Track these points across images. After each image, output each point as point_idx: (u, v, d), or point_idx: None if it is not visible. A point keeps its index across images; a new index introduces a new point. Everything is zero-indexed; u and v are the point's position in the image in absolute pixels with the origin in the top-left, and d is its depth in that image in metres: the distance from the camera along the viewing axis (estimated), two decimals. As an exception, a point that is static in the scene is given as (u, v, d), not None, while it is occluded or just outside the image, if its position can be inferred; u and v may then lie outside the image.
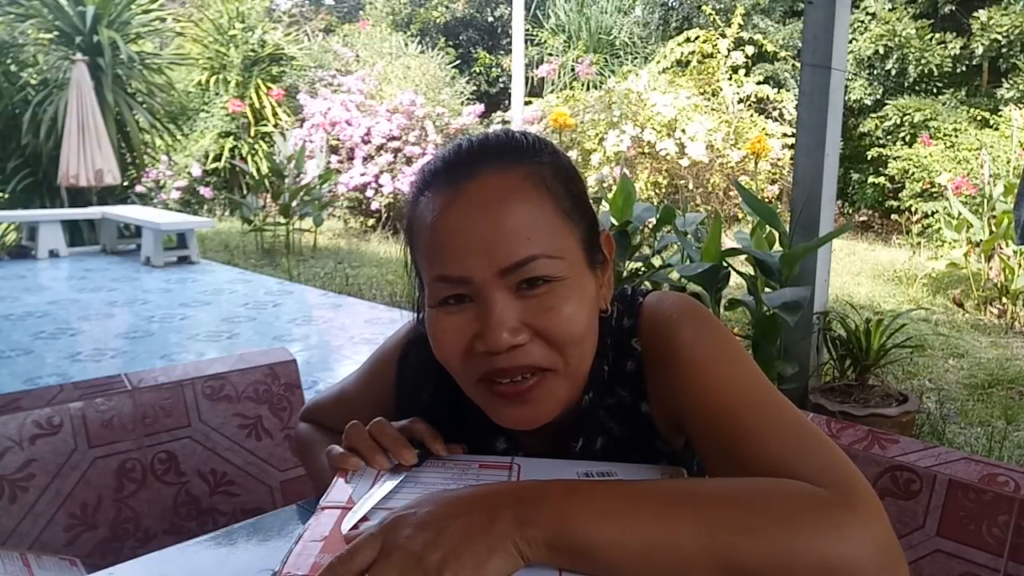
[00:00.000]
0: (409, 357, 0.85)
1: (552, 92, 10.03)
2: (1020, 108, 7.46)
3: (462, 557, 0.50)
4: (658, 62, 9.68)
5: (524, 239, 0.65)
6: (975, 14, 8.94)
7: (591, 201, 0.76)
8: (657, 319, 0.75)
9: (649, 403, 0.75)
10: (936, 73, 9.18)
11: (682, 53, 9.51)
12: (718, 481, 0.61)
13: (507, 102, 10.19)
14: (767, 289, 3.26)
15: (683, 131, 8.30)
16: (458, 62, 12.34)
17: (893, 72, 9.38)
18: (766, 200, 8.17)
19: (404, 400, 0.85)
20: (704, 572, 0.52)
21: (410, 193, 0.73)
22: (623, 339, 0.76)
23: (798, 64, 3.79)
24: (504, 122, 9.96)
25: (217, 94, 11.25)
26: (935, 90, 9.35)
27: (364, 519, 0.61)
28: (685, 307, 0.74)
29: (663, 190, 8.69)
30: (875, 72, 9.55)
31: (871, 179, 9.24)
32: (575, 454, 0.76)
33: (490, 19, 14.24)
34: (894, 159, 8.65)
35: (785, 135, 8.58)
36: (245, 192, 9.91)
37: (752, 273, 3.39)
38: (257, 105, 11.02)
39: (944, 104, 9.08)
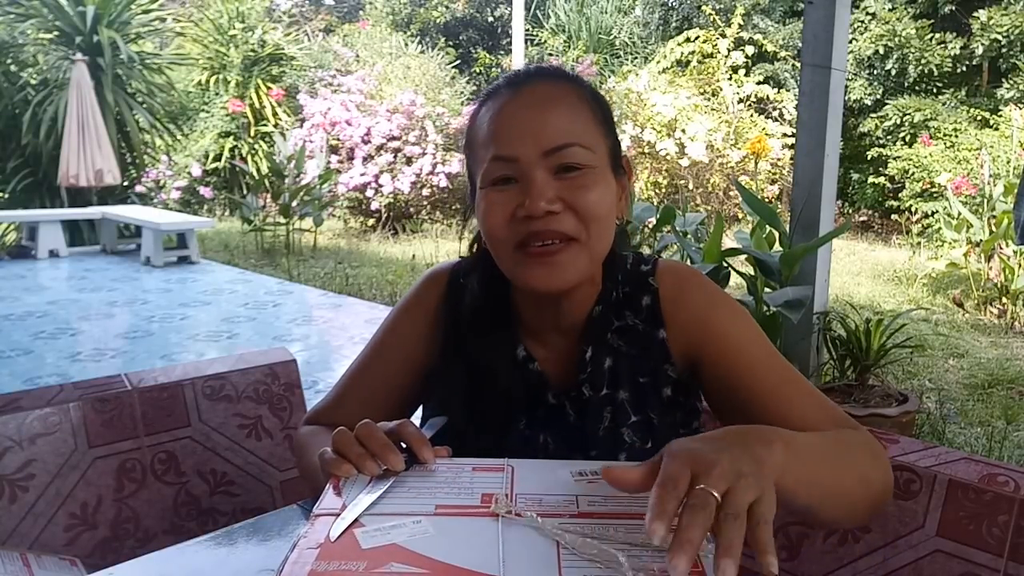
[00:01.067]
0: (459, 273, 0.97)
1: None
2: (1020, 108, 7.46)
3: (760, 472, 0.58)
4: (658, 62, 9.68)
5: (565, 130, 0.81)
6: (975, 14, 8.93)
7: None
8: (683, 270, 0.92)
9: (667, 331, 0.89)
10: (936, 73, 9.18)
11: (682, 53, 9.51)
12: (827, 435, 0.77)
13: (507, 102, 10.16)
14: (767, 289, 3.26)
15: (683, 131, 8.30)
16: (458, 62, 12.34)
17: (893, 72, 9.38)
18: (766, 200, 8.17)
19: (448, 316, 0.94)
20: (848, 482, 0.73)
21: (473, 110, 0.89)
22: (639, 278, 0.91)
23: (798, 64, 3.79)
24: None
25: (217, 94, 11.25)
26: (935, 90, 9.35)
27: (357, 523, 0.61)
28: (711, 282, 0.92)
29: (663, 190, 8.70)
30: (875, 72, 9.55)
31: (871, 179, 9.24)
32: (585, 363, 0.88)
33: (490, 19, 14.25)
34: (894, 159, 8.64)
35: (785, 135, 8.58)
36: (245, 192, 9.91)
37: (752, 273, 3.39)
38: (257, 105, 11.02)
39: (944, 104, 9.08)
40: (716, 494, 0.53)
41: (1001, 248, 5.41)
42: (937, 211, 7.39)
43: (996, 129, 8.22)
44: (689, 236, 3.62)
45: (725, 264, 3.23)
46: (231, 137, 10.90)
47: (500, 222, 0.81)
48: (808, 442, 0.69)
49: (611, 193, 0.84)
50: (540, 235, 0.79)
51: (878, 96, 9.48)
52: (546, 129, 0.80)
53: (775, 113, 9.21)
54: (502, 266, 0.85)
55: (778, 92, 9.21)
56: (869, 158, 9.19)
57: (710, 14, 10.03)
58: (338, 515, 0.62)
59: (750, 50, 9.33)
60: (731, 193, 8.55)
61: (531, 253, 0.80)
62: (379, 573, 0.54)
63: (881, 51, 9.29)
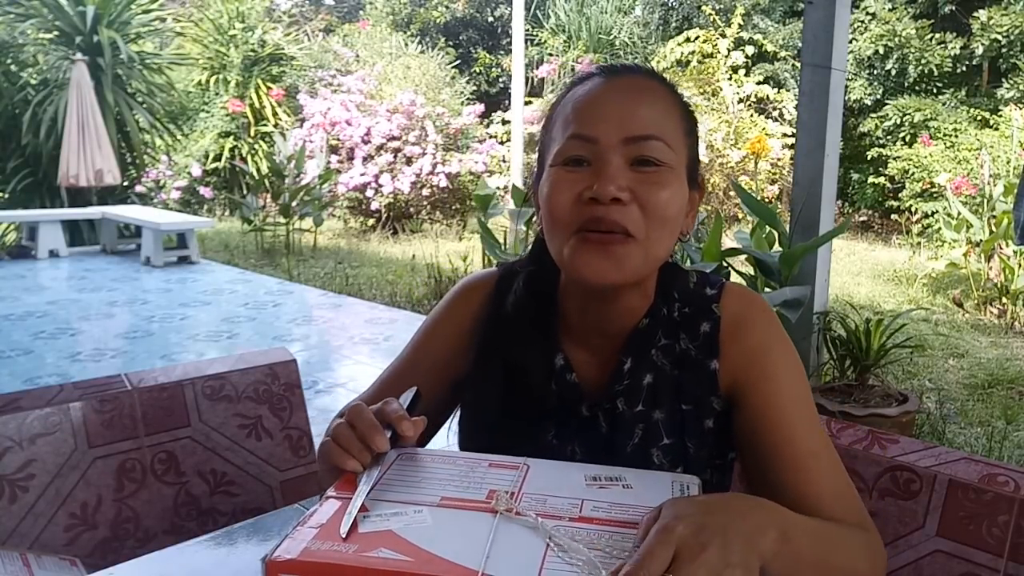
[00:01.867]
0: (502, 279, 0.95)
1: (552, 92, 10.02)
2: (1020, 108, 7.46)
3: (748, 562, 0.58)
4: (658, 62, 9.67)
5: (651, 122, 0.78)
6: (975, 14, 8.93)
7: None
8: (750, 300, 0.88)
9: (720, 363, 0.85)
10: (936, 73, 9.18)
11: (682, 53, 9.51)
12: (830, 529, 0.74)
13: (507, 102, 10.18)
14: (767, 289, 3.26)
15: (683, 131, 8.28)
16: (458, 62, 12.34)
17: (893, 72, 9.38)
18: (766, 200, 8.17)
19: (487, 323, 0.92)
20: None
21: (558, 95, 0.86)
22: (703, 301, 0.87)
23: (798, 64, 3.79)
24: (504, 122, 9.95)
25: (217, 94, 11.25)
26: (935, 90, 9.35)
27: (362, 507, 0.62)
28: (776, 318, 0.88)
29: (663, 190, 8.67)
30: (875, 72, 9.55)
31: (871, 179, 9.24)
32: (622, 375, 0.84)
33: (490, 19, 14.24)
34: (894, 159, 8.64)
35: (785, 135, 8.58)
36: (245, 192, 9.91)
37: (752, 273, 3.39)
38: (257, 105, 11.02)
39: (944, 104, 9.08)
40: None
41: (1001, 248, 5.41)
42: (937, 211, 7.39)
43: (996, 129, 8.22)
44: (689, 236, 3.62)
45: (725, 264, 3.23)
46: (231, 137, 10.90)
47: (565, 202, 0.78)
48: (808, 533, 0.67)
49: (682, 199, 0.81)
50: (602, 222, 0.76)
51: (878, 96, 9.48)
52: (633, 116, 0.78)
53: (775, 113, 9.21)
54: (555, 251, 0.82)
55: (778, 92, 9.21)
56: (869, 158, 9.19)
57: (710, 14, 10.03)
58: (348, 499, 0.64)
59: (750, 50, 9.33)
60: (731, 193, 8.54)
61: (588, 240, 0.77)
62: (366, 557, 0.56)
63: (881, 51, 9.29)
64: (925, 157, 8.22)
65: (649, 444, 0.84)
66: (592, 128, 0.78)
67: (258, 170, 9.90)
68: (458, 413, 0.96)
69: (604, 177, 0.76)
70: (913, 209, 8.21)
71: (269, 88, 11.13)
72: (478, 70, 13.17)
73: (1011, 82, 8.75)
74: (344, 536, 0.58)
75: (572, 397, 0.86)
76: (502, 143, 9.80)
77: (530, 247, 0.94)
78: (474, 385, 0.91)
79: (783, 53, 10.01)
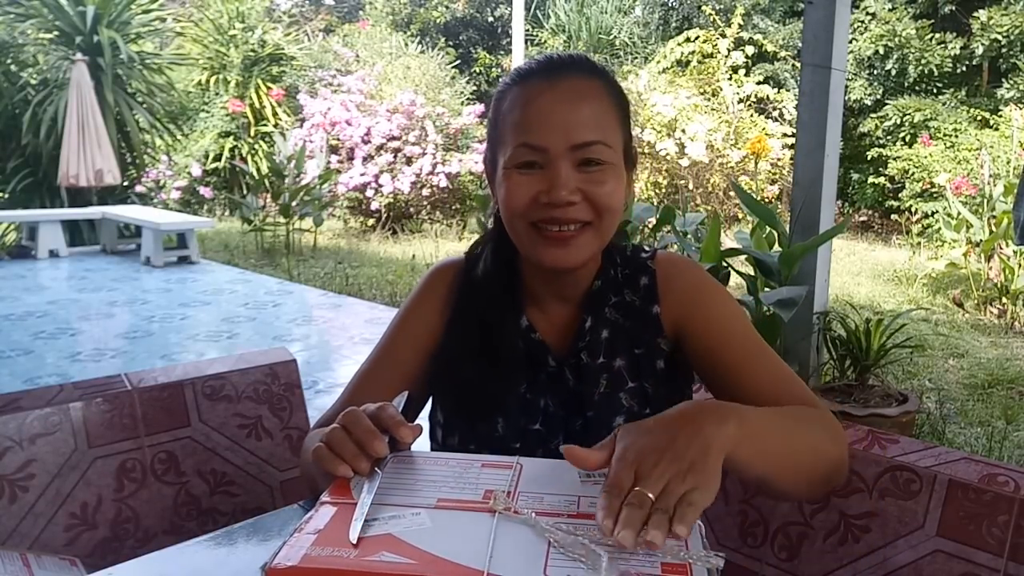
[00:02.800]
0: (471, 258, 1.04)
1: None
2: (1020, 108, 7.46)
3: (706, 459, 0.63)
4: (658, 62, 9.67)
5: (593, 128, 0.88)
6: (975, 14, 8.93)
7: None
8: (679, 257, 1.03)
9: (661, 307, 0.97)
10: (936, 73, 9.18)
11: (682, 53, 9.51)
12: (784, 410, 0.83)
13: (507, 102, 10.16)
14: (767, 289, 3.26)
15: (683, 131, 8.30)
16: (458, 62, 12.33)
17: (893, 72, 9.38)
18: (766, 200, 8.18)
19: (458, 295, 1.01)
20: (800, 456, 0.79)
21: (502, 84, 0.95)
22: (639, 262, 1.00)
23: (798, 64, 3.79)
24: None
25: (217, 94, 11.25)
26: (935, 90, 9.35)
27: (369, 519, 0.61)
28: (703, 269, 1.02)
29: (663, 190, 8.70)
30: (875, 72, 9.55)
31: (871, 179, 9.24)
32: (584, 332, 0.96)
33: (490, 19, 14.25)
34: (894, 159, 8.64)
35: (785, 135, 8.58)
36: (245, 192, 9.91)
37: (752, 273, 3.39)
38: (257, 105, 11.02)
39: (944, 104, 9.08)
40: (651, 495, 0.59)
41: (1001, 248, 5.41)
42: (937, 211, 7.39)
43: (996, 129, 8.22)
44: (689, 236, 3.62)
45: (724, 264, 3.23)
46: (231, 137, 10.90)
47: (522, 203, 0.89)
48: (763, 416, 0.74)
49: (623, 185, 0.92)
50: (558, 221, 0.88)
51: (878, 96, 9.48)
52: (576, 126, 0.87)
53: (775, 113, 9.21)
54: (517, 241, 0.93)
55: (778, 92, 9.21)
56: (869, 158, 9.19)
57: (710, 14, 10.03)
58: (344, 504, 0.64)
59: (750, 50, 9.33)
60: (731, 193, 8.55)
61: (547, 235, 0.89)
62: (369, 561, 0.55)
63: (881, 51, 9.29)
64: (925, 157, 8.22)
65: (616, 389, 0.95)
66: (540, 138, 0.87)
67: (258, 170, 9.90)
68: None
69: (556, 184, 0.86)
70: (913, 209, 8.22)
71: (269, 88, 11.13)
72: (478, 70, 13.17)
73: (1011, 82, 8.75)
74: (355, 543, 0.58)
75: (538, 353, 0.97)
76: (502, 143, 9.78)
77: (492, 221, 1.03)
78: (450, 345, 0.99)
79: (783, 53, 10.01)
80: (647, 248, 1.04)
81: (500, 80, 0.94)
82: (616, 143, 0.91)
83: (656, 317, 0.97)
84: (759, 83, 9.15)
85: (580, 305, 0.98)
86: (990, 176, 6.01)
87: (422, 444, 0.78)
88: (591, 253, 0.92)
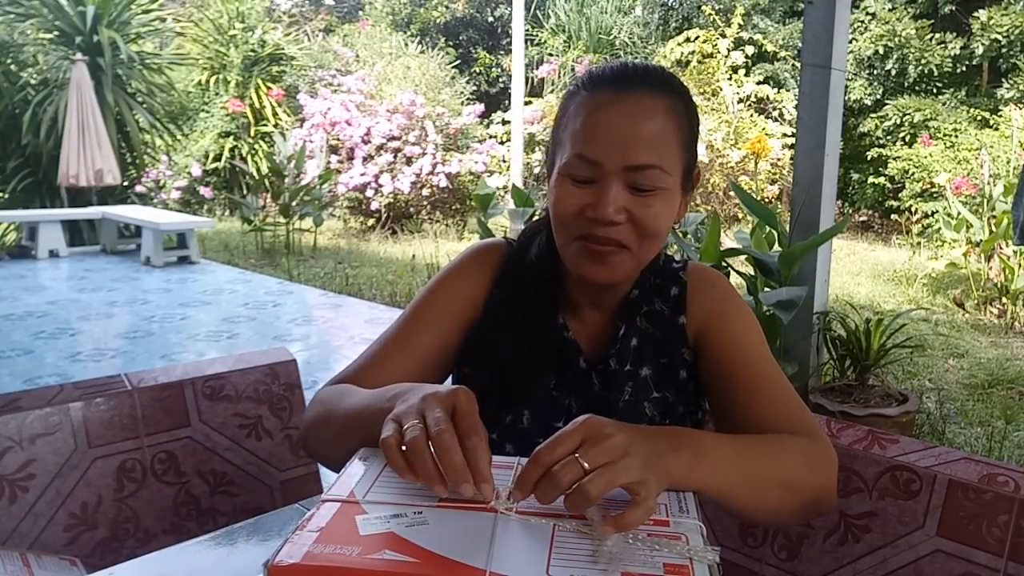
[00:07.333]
0: (519, 243, 1.04)
1: (552, 92, 10.02)
2: (1020, 108, 7.46)
3: (651, 464, 0.64)
4: (658, 62, 9.66)
5: (652, 151, 0.85)
6: (975, 14, 8.93)
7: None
8: (710, 272, 1.02)
9: (687, 318, 0.98)
10: (936, 73, 9.18)
11: (682, 53, 9.50)
12: (758, 438, 0.82)
13: (507, 102, 10.17)
14: (766, 289, 3.26)
15: (683, 131, 8.27)
16: (458, 62, 12.33)
17: (893, 72, 9.38)
18: (766, 200, 8.18)
19: (502, 279, 1.01)
20: (766, 488, 0.77)
21: (574, 82, 0.93)
22: (671, 272, 1.01)
23: (798, 64, 3.79)
24: (504, 122, 9.95)
25: (217, 94, 11.24)
26: (935, 90, 9.35)
27: (360, 510, 0.62)
28: (732, 286, 1.03)
29: (663, 190, 8.66)
30: (875, 72, 9.55)
31: (871, 179, 9.24)
32: (617, 339, 0.97)
33: (490, 19, 14.24)
34: (894, 159, 8.64)
35: (785, 135, 8.58)
36: (245, 192, 9.91)
37: (752, 273, 3.39)
38: (257, 105, 11.02)
39: (944, 104, 9.08)
40: (586, 465, 0.59)
41: (1001, 248, 5.41)
42: (937, 211, 7.39)
43: (996, 129, 8.22)
44: (689, 236, 3.62)
45: (724, 264, 3.23)
46: (231, 137, 10.89)
47: (569, 213, 0.88)
48: (727, 451, 0.74)
49: (673, 210, 0.91)
50: (600, 239, 0.87)
51: (878, 96, 9.48)
52: (634, 146, 0.85)
53: (775, 113, 9.21)
54: (559, 245, 0.93)
55: (778, 92, 9.20)
56: (869, 158, 9.19)
57: (710, 14, 10.02)
58: (346, 502, 0.64)
59: (750, 50, 9.32)
60: (731, 193, 8.54)
61: (588, 248, 0.88)
62: (371, 559, 0.55)
63: (881, 51, 9.29)
64: (925, 157, 8.22)
65: (640, 398, 0.95)
66: (596, 153, 0.85)
67: (258, 170, 9.90)
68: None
69: (604, 200, 0.85)
70: (913, 209, 8.21)
71: (269, 88, 11.13)
72: (478, 70, 13.17)
73: (1011, 82, 8.75)
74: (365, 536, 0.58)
75: (569, 352, 0.97)
76: (502, 143, 9.79)
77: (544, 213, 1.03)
78: (492, 323, 0.98)
79: (783, 53, 10.01)
80: (680, 260, 1.04)
81: (574, 74, 0.90)
82: (674, 167, 0.88)
83: (682, 328, 0.98)
84: (759, 83, 9.14)
85: (615, 312, 0.98)
86: (990, 176, 6.01)
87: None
88: (627, 274, 0.92)
